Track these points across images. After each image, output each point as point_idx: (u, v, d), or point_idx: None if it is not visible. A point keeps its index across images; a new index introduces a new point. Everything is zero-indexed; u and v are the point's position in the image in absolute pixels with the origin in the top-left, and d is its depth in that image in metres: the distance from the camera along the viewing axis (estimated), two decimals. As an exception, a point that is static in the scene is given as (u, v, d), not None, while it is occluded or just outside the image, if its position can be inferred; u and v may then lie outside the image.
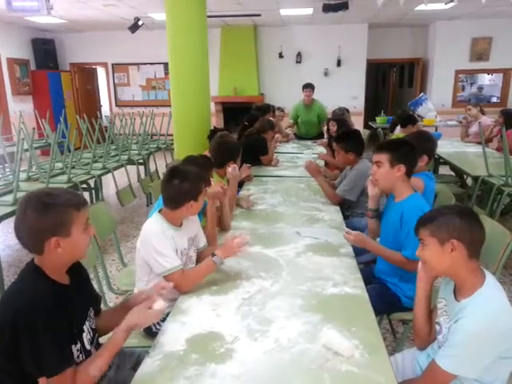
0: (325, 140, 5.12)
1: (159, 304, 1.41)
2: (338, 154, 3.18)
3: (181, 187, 1.82)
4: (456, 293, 1.37)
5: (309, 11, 7.32)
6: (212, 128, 4.43)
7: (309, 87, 5.90)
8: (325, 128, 5.62)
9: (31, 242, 1.25)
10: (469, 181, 4.85)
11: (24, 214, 1.22)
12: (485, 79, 9.19)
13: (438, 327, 1.42)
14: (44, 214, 1.22)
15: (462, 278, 1.32)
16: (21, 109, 7.60)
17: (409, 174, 2.05)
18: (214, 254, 1.84)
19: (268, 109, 5.50)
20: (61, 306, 1.21)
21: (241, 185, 3.62)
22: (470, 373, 1.26)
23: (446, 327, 1.35)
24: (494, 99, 8.99)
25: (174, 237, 1.84)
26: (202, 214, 2.55)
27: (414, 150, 2.08)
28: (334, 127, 4.65)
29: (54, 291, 1.23)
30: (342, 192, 2.99)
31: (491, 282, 1.30)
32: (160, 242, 1.77)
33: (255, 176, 3.84)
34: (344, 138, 3.13)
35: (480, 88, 9.15)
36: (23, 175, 3.96)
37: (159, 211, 1.90)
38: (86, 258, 1.39)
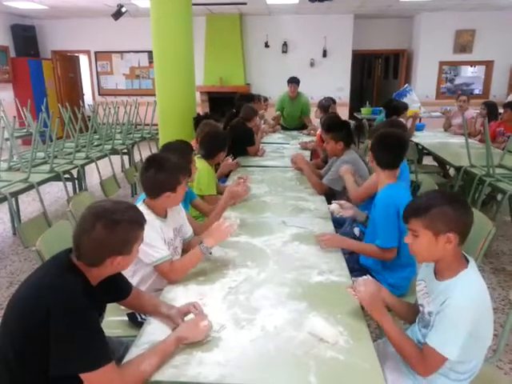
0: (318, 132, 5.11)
1: (206, 323, 1.39)
2: (328, 143, 3.18)
3: (156, 177, 1.79)
4: (437, 273, 1.39)
5: (295, 0, 7.27)
6: (196, 115, 4.41)
7: (293, 82, 5.83)
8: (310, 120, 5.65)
9: (93, 256, 1.22)
10: (451, 171, 4.93)
11: (92, 228, 1.19)
12: (467, 71, 9.28)
13: (420, 308, 1.45)
14: (113, 232, 1.21)
15: (447, 262, 1.34)
16: (1, 97, 7.41)
17: (382, 166, 2.08)
18: (202, 243, 1.82)
19: (252, 97, 5.45)
20: (92, 307, 1.20)
21: (227, 174, 3.62)
22: (453, 352, 1.23)
23: (428, 307, 1.38)
24: (477, 91, 9.10)
25: (161, 227, 1.82)
26: (190, 204, 2.55)
27: (383, 144, 2.12)
28: (319, 114, 4.72)
29: (87, 292, 1.20)
30: (328, 181, 3.01)
31: (474, 266, 1.33)
32: (147, 232, 1.74)
33: (242, 166, 3.83)
34: (335, 128, 3.13)
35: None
36: (4, 165, 3.89)
37: (143, 201, 1.88)
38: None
